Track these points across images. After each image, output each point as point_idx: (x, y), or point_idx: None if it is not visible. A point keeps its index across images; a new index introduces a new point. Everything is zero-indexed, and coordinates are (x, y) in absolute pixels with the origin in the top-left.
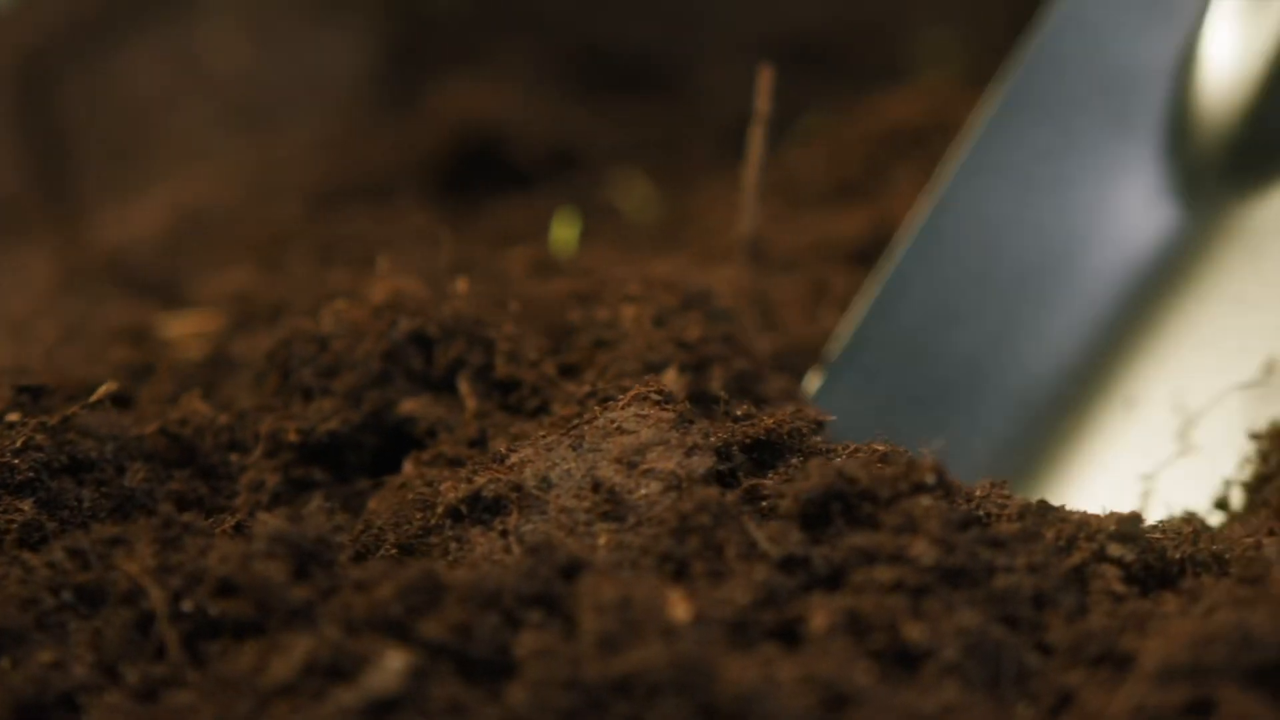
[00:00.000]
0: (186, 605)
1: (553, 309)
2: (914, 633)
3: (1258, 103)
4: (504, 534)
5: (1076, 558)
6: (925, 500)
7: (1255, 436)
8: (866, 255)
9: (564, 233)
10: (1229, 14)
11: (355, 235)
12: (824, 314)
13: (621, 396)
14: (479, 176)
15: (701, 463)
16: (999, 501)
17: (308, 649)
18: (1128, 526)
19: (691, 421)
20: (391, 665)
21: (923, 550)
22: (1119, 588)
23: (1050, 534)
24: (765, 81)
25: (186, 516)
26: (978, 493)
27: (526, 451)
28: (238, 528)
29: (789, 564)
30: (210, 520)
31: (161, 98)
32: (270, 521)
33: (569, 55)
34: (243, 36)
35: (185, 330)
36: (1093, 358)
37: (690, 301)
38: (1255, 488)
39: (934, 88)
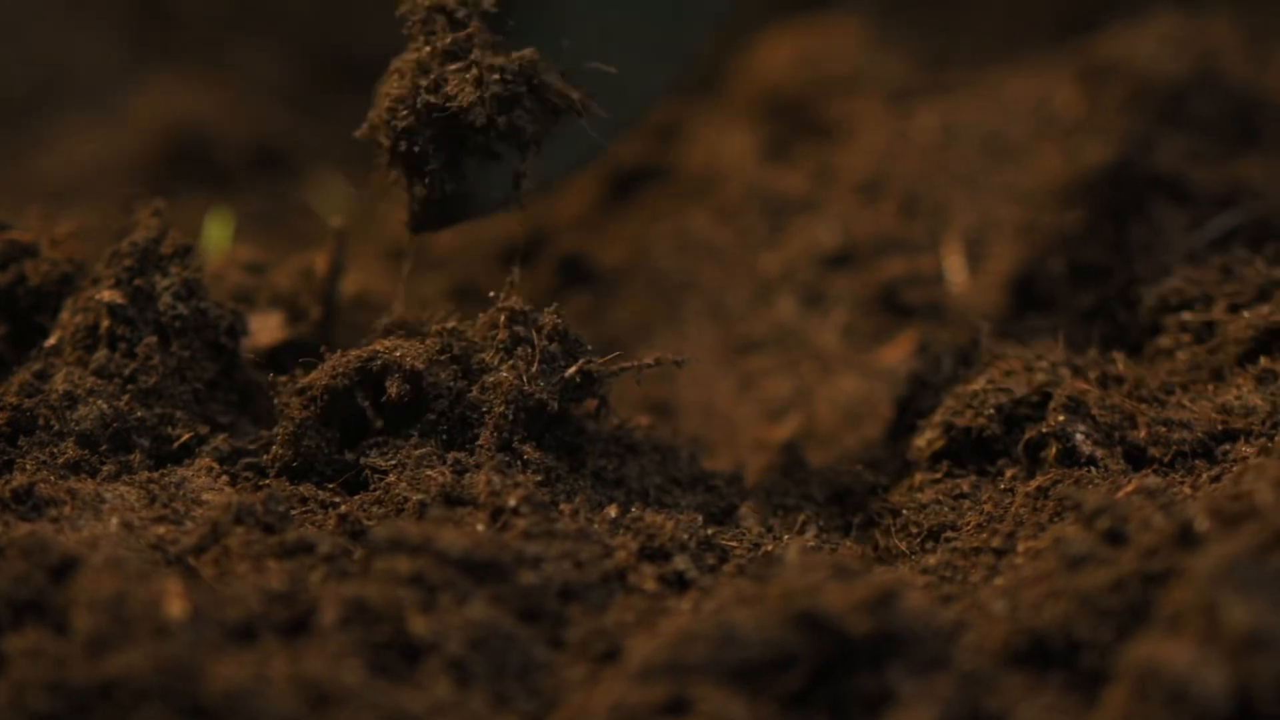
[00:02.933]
0: None
1: None
2: (419, 626)
3: None
4: None
5: (622, 556)
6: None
7: None
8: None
9: (217, 232)
10: None
11: None
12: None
13: None
14: (182, 177)
15: None
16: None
17: None
18: (692, 528)
19: None
20: None
21: (451, 541)
22: (652, 586)
23: (604, 529)
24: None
25: None
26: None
27: None
28: None
29: (303, 551)
30: None
31: None
32: None
33: (314, 55)
34: None
35: None
36: None
37: None
38: None
39: None
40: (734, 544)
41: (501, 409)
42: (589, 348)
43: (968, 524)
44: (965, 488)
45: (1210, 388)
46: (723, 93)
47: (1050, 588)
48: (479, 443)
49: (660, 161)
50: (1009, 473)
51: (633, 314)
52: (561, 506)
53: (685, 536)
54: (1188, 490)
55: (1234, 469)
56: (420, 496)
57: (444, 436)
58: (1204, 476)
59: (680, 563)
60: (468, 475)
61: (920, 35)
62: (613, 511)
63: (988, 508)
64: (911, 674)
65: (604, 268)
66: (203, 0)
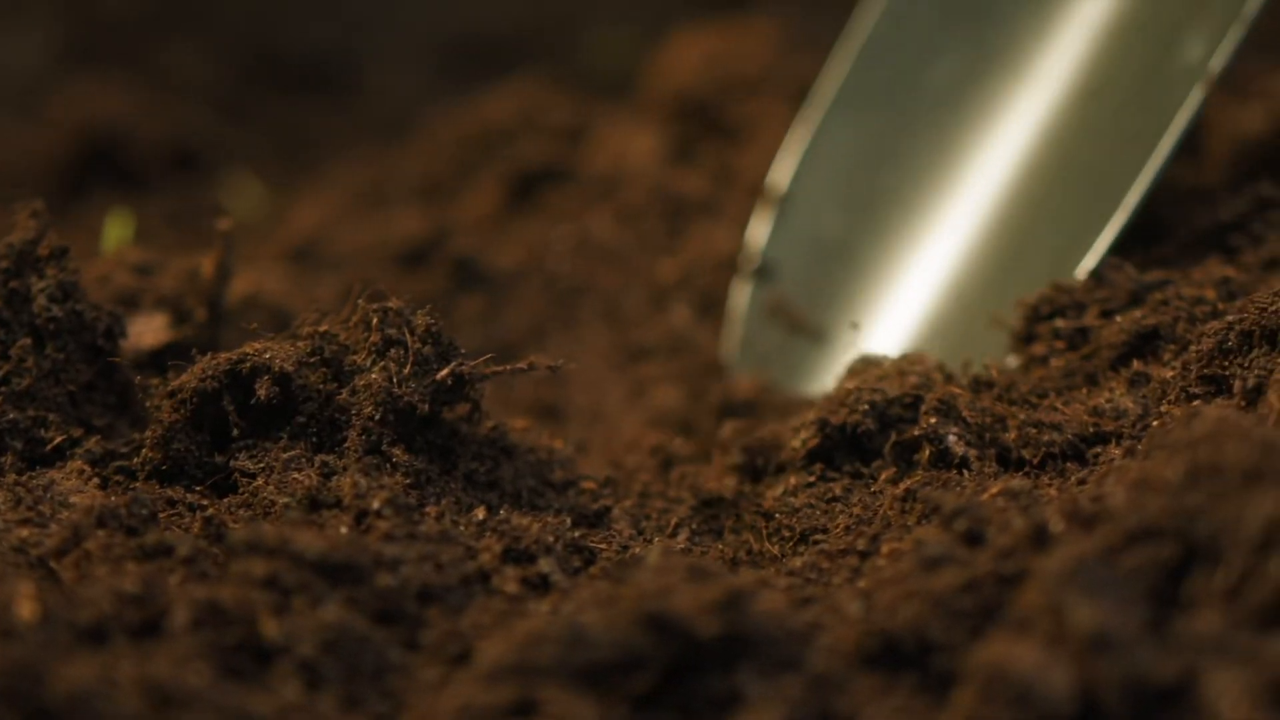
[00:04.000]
0: None
1: None
2: (270, 629)
3: None
4: None
5: (486, 558)
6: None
7: None
8: (416, 257)
9: (116, 232)
10: None
11: None
12: None
13: None
14: (97, 179)
15: None
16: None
17: None
18: (559, 531)
19: None
20: None
21: (308, 544)
22: (513, 589)
23: (471, 531)
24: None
25: None
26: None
27: None
28: None
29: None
30: None
31: None
32: None
33: (242, 57)
34: None
35: None
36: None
37: None
38: None
39: (527, 89)
40: (602, 546)
41: (370, 411)
42: (462, 350)
43: (837, 527)
44: (838, 491)
45: (1084, 391)
46: (633, 93)
47: (906, 589)
48: (346, 445)
49: (565, 163)
50: (882, 475)
51: (527, 317)
52: (428, 509)
53: (551, 539)
54: (1054, 492)
55: (1100, 471)
56: (286, 500)
57: (314, 438)
58: (1073, 479)
59: (545, 565)
60: (335, 478)
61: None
62: (480, 514)
63: (857, 510)
64: (760, 675)
65: (499, 270)
66: (133, 2)
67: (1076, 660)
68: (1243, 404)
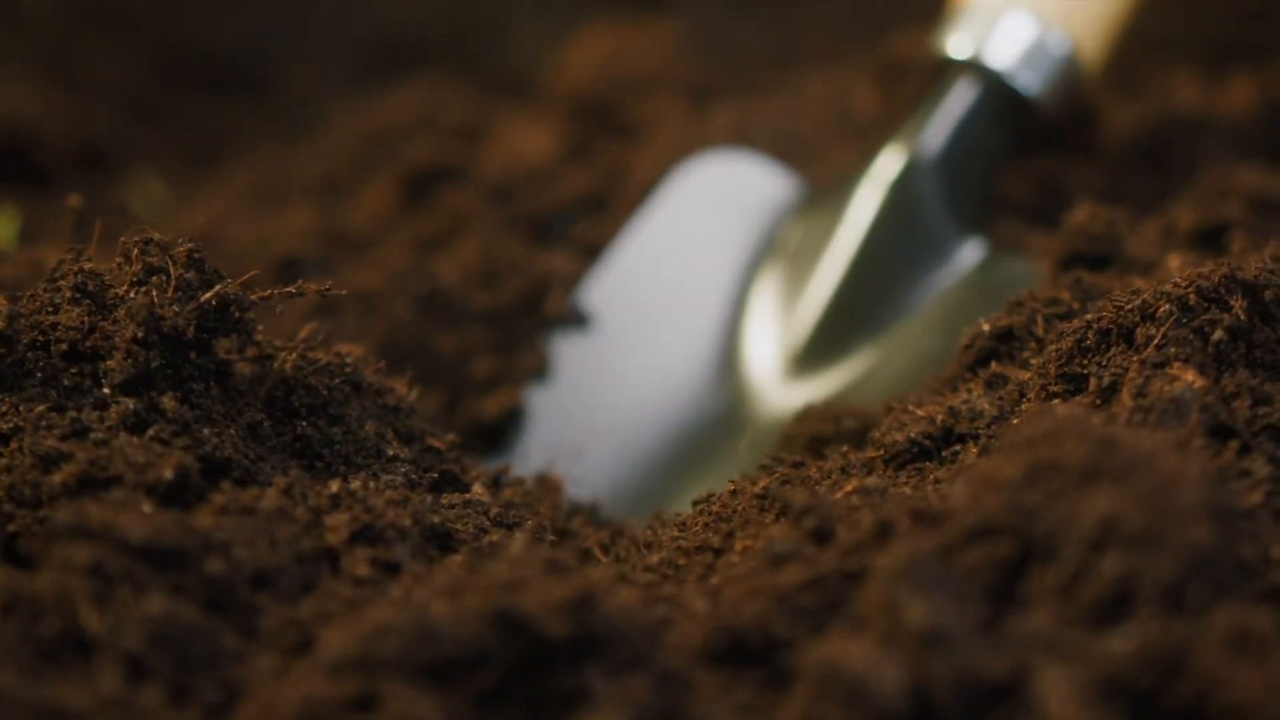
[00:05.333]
0: None
1: None
2: (91, 621)
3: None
4: None
5: (333, 538)
6: None
7: None
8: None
9: (1, 230)
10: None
11: None
12: None
13: None
14: (3, 177)
15: None
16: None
17: None
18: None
19: None
20: None
21: (131, 527)
22: (365, 571)
23: (302, 511)
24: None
25: None
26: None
27: None
28: None
29: None
30: None
31: None
32: None
33: (160, 55)
34: None
35: None
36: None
37: None
38: None
39: (428, 88)
40: (459, 527)
41: (133, 331)
42: (229, 278)
43: (696, 524)
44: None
45: (945, 394)
46: (534, 92)
47: (752, 586)
48: (111, 365)
49: (461, 162)
50: (738, 474)
51: (385, 326)
52: (276, 480)
53: (409, 523)
54: (909, 491)
55: (956, 469)
56: (61, 477)
57: (66, 384)
58: (930, 478)
59: (399, 551)
60: (91, 435)
61: (759, 33)
62: (334, 487)
63: (716, 509)
64: (609, 674)
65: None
66: (55, 1)
67: (909, 657)
68: (1098, 402)
